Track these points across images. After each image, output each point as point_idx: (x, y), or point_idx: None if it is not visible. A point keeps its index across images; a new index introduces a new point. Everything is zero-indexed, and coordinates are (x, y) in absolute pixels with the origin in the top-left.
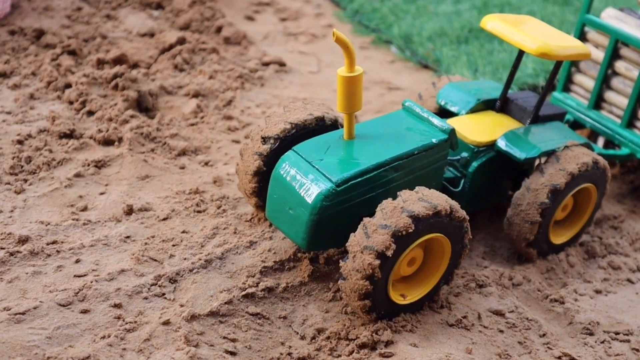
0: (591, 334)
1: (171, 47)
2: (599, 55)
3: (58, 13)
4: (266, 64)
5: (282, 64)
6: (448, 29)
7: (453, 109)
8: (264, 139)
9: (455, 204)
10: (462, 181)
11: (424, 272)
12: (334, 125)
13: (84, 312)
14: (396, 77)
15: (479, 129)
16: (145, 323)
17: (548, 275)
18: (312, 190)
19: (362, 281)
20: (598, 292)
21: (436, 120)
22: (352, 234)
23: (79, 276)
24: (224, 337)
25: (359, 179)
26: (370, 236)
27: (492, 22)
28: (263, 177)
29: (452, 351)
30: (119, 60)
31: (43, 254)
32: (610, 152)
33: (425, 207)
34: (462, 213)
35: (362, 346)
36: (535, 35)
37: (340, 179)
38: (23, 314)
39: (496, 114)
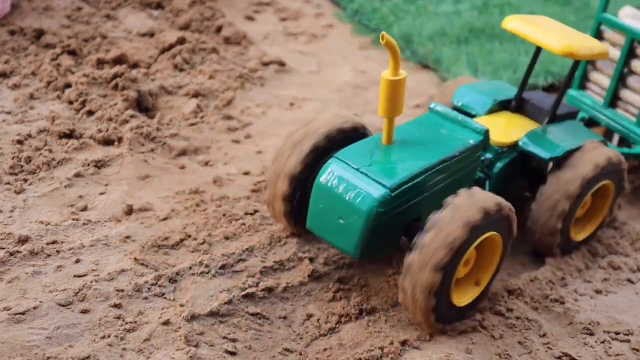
0: (591, 334)
1: (171, 47)
2: (616, 53)
3: (58, 13)
4: (266, 64)
5: (282, 64)
6: (448, 29)
7: (471, 110)
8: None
9: (501, 200)
10: (487, 182)
11: (477, 271)
12: (363, 133)
13: (84, 312)
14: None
15: (500, 130)
16: (145, 323)
17: (548, 275)
18: (365, 196)
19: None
20: (598, 292)
21: (469, 122)
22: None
23: (79, 276)
24: (224, 337)
25: (410, 184)
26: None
27: (514, 23)
28: (300, 191)
29: (452, 351)
30: (119, 60)
31: (43, 254)
32: (625, 150)
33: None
34: (508, 205)
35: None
36: (558, 35)
37: (394, 183)
38: (23, 314)
39: (512, 114)
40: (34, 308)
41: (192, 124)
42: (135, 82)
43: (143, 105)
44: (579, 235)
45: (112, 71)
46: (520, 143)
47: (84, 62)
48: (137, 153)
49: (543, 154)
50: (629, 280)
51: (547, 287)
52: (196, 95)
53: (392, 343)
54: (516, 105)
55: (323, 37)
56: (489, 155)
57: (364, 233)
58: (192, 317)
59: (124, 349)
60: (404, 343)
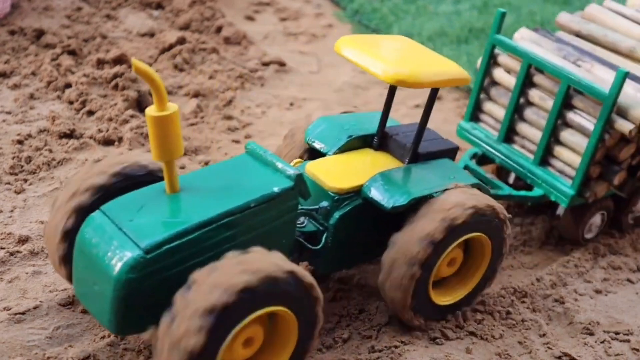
0: (591, 334)
1: (171, 47)
2: (511, 81)
3: (58, 13)
4: (266, 64)
5: (282, 64)
6: (448, 29)
7: (320, 147)
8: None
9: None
10: (324, 235)
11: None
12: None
13: (84, 312)
14: None
15: (345, 172)
16: None
17: (548, 275)
18: (116, 259)
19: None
20: (598, 292)
21: (280, 165)
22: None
23: None
24: None
25: (177, 242)
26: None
27: (345, 47)
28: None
29: (452, 351)
30: (119, 60)
31: (43, 253)
32: (522, 193)
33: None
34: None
35: (361, 346)
36: (393, 60)
37: (149, 244)
38: (23, 313)
39: (374, 152)
40: (34, 308)
41: (192, 124)
42: (135, 82)
43: (143, 105)
44: (446, 298)
45: (112, 71)
46: (363, 188)
47: (84, 62)
48: None
49: (385, 201)
50: (629, 280)
51: (547, 287)
52: (196, 95)
53: (392, 343)
54: (379, 142)
55: (323, 37)
56: (325, 204)
57: (116, 304)
58: None
59: (124, 349)
60: (404, 343)
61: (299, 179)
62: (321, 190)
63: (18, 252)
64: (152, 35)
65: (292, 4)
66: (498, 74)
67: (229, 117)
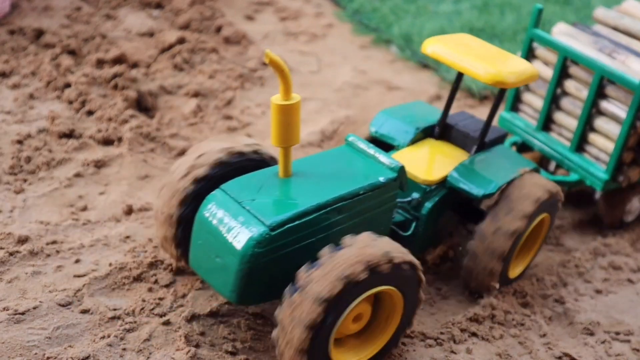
0: (591, 334)
1: (171, 46)
2: (549, 73)
3: (57, 13)
4: (266, 64)
5: None
6: (448, 29)
7: (392, 141)
8: (187, 178)
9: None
10: (414, 224)
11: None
12: (267, 161)
13: (84, 312)
14: (396, 77)
15: (427, 164)
16: (145, 323)
17: (548, 275)
18: (242, 235)
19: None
20: (598, 292)
21: (383, 157)
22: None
23: (79, 276)
24: (224, 337)
25: (297, 222)
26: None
27: (434, 47)
28: (187, 221)
29: (452, 351)
30: (119, 60)
31: (43, 254)
32: (559, 178)
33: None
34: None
35: None
36: (484, 60)
37: (274, 222)
38: (23, 314)
39: (436, 142)
40: (34, 308)
41: (192, 124)
42: (135, 82)
43: (143, 105)
44: (514, 272)
45: (111, 71)
46: (449, 179)
47: (83, 62)
48: (137, 153)
49: (475, 190)
50: (629, 280)
51: (547, 287)
52: (196, 95)
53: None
54: (440, 132)
55: (323, 37)
56: (415, 195)
57: (240, 276)
58: (192, 317)
59: (124, 349)
60: (404, 344)
61: (402, 171)
62: (410, 182)
63: (18, 252)
64: (151, 35)
65: (292, 4)
66: (536, 66)
67: (229, 117)
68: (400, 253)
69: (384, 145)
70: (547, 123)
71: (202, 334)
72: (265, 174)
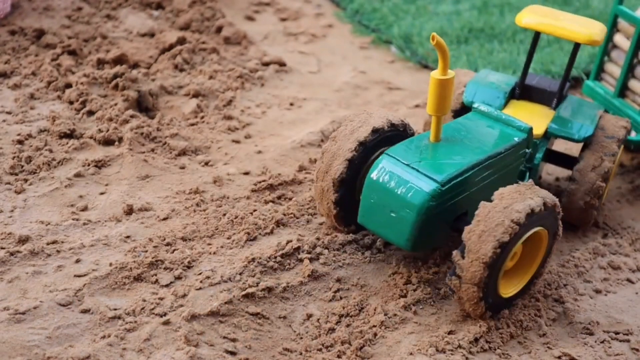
0: (591, 334)
1: (171, 47)
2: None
3: (58, 13)
4: (266, 64)
5: (282, 64)
6: (448, 29)
7: (486, 108)
8: (352, 145)
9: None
10: (527, 174)
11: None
12: (406, 131)
13: (84, 312)
14: (396, 77)
15: (527, 121)
16: (145, 323)
17: (548, 275)
18: (417, 190)
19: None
20: (598, 291)
21: (512, 120)
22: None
23: (79, 276)
24: (224, 337)
25: (460, 178)
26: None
27: (529, 18)
28: (348, 185)
29: (453, 350)
30: (119, 60)
31: (43, 253)
32: (631, 137)
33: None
34: (554, 199)
35: (363, 346)
36: (577, 25)
37: (444, 178)
38: (23, 313)
39: (519, 102)
40: (34, 308)
41: (192, 124)
42: (135, 82)
43: (143, 105)
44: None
45: (112, 71)
46: (549, 130)
47: (84, 62)
48: (137, 153)
49: (576, 135)
50: (629, 280)
51: (547, 287)
52: (196, 95)
53: (392, 342)
54: (520, 93)
55: (323, 37)
56: (528, 150)
57: (416, 226)
58: (192, 317)
59: (124, 349)
60: (404, 342)
61: (530, 132)
62: None
63: (18, 252)
64: (152, 35)
65: (292, 4)
66: (619, 39)
67: (229, 117)
68: (549, 198)
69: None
70: (623, 90)
71: (202, 334)
72: (419, 139)
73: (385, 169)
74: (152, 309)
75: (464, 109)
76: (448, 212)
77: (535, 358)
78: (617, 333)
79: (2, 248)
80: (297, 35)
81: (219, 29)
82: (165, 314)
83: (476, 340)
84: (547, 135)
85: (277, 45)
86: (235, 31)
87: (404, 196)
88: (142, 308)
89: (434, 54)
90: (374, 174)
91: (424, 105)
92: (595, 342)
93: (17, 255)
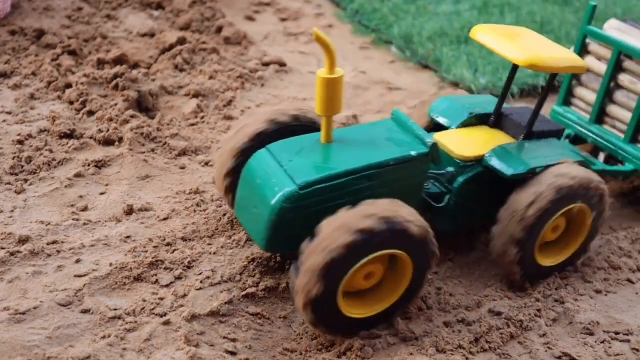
0: (591, 334)
1: (171, 47)
2: (601, 67)
3: (58, 13)
4: (266, 64)
5: (282, 64)
6: (448, 29)
7: (443, 121)
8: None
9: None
10: (447, 197)
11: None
12: (314, 127)
13: (84, 312)
14: (396, 77)
15: (468, 143)
16: (145, 323)
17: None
18: (275, 190)
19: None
20: (598, 291)
21: (419, 133)
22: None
23: (79, 276)
24: (224, 337)
25: (325, 184)
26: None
27: (481, 33)
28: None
29: (452, 350)
30: (119, 60)
31: (43, 253)
32: (614, 168)
33: None
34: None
35: (363, 346)
36: (524, 46)
37: (304, 181)
38: (23, 313)
39: (490, 129)
40: (34, 308)
41: (192, 124)
42: (135, 82)
43: (143, 105)
44: (549, 261)
45: (112, 71)
46: (484, 157)
47: (84, 62)
48: (137, 153)
49: (505, 169)
50: (629, 280)
51: (547, 287)
52: (196, 95)
53: (392, 342)
54: (494, 120)
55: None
56: (450, 169)
57: (270, 226)
58: (192, 317)
59: (124, 349)
60: (404, 340)
61: (434, 147)
62: (447, 157)
63: (18, 252)
64: (152, 35)
65: (292, 4)
66: (589, 61)
67: (229, 117)
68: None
69: (441, 127)
70: (600, 115)
71: (202, 334)
72: (308, 138)
73: (258, 162)
74: (152, 309)
75: (433, 126)
76: (314, 218)
77: (535, 358)
78: (617, 333)
79: (2, 248)
80: (297, 35)
81: (219, 29)
82: (165, 314)
83: (476, 340)
84: (483, 164)
85: (277, 45)
86: (235, 31)
87: (264, 194)
88: (142, 308)
89: (434, 54)
90: (248, 166)
91: None
92: (596, 342)
93: (17, 255)
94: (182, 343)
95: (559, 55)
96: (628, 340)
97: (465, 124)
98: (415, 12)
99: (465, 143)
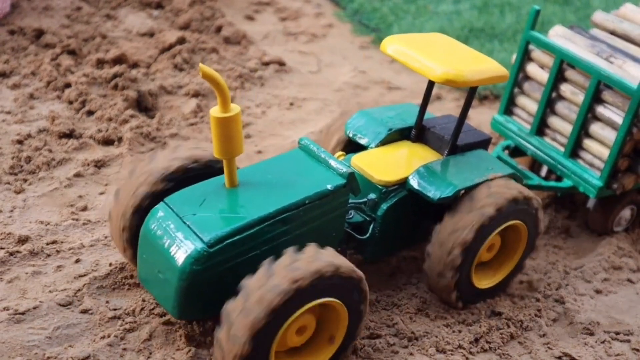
0: (591, 334)
1: (171, 46)
2: (544, 76)
3: (58, 13)
4: (266, 64)
5: (282, 64)
6: (448, 29)
7: (362, 141)
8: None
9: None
10: (372, 226)
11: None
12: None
13: (84, 312)
14: (396, 77)
15: (389, 165)
16: (145, 323)
17: (547, 275)
18: (181, 251)
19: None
20: (598, 292)
21: (333, 163)
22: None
23: (79, 276)
24: None
25: (238, 237)
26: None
27: (392, 46)
28: (137, 232)
29: (452, 350)
30: (119, 60)
31: (43, 253)
32: (551, 184)
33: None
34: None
35: (363, 346)
36: (440, 59)
37: (213, 238)
38: (23, 314)
39: (412, 144)
40: (34, 308)
41: (192, 124)
42: (135, 82)
43: (143, 105)
44: (485, 282)
45: (112, 71)
46: (408, 181)
47: (83, 62)
48: (137, 153)
49: (432, 193)
50: (629, 280)
51: (547, 287)
52: (196, 95)
53: (392, 341)
54: (416, 134)
55: (323, 37)
56: (372, 196)
57: (180, 293)
58: None
59: (124, 349)
60: (404, 340)
61: (351, 177)
62: (368, 182)
63: (18, 252)
64: (152, 35)
65: (292, 4)
66: (531, 69)
67: None
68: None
69: (360, 146)
70: (541, 127)
71: (202, 333)
72: (211, 184)
73: (157, 221)
74: (152, 309)
75: (351, 145)
76: (230, 275)
77: (535, 358)
78: (617, 333)
79: (2, 248)
80: (297, 35)
81: (218, 29)
82: (165, 314)
83: (476, 340)
84: (407, 187)
85: (277, 45)
86: (235, 31)
87: (169, 256)
88: (142, 308)
89: None
90: (147, 226)
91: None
92: (596, 342)
93: (16, 255)
94: (182, 343)
95: (478, 67)
96: (628, 341)
97: (386, 141)
98: (415, 12)
99: (386, 165)
